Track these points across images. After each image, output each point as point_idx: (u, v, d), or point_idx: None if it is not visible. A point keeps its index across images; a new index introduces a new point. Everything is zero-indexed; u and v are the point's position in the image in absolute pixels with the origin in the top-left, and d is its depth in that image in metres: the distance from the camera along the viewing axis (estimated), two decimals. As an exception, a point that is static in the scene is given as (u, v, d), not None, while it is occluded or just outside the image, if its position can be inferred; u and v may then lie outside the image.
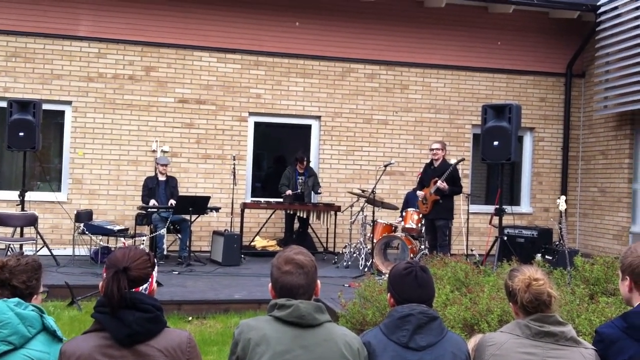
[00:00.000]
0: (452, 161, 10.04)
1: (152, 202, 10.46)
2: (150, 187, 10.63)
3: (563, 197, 7.72)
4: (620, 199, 12.22)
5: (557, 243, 10.47)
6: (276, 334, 2.63)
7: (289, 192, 11.36)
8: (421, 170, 10.65)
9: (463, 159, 10.02)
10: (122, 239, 9.76)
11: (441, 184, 9.59)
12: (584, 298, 5.39)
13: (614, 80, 12.31)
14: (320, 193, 11.79)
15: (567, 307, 4.85)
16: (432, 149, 10.16)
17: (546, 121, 13.42)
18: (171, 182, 10.87)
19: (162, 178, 10.78)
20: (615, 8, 12.11)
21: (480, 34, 12.95)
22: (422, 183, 10.17)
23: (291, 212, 11.47)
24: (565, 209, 7.72)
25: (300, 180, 11.54)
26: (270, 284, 2.80)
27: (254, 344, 2.61)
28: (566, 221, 8.65)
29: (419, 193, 10.00)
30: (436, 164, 10.03)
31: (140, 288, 2.65)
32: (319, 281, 2.83)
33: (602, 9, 12.42)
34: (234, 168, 11.09)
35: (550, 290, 2.85)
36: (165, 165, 10.82)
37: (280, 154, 12.94)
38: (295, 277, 2.71)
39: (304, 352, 2.61)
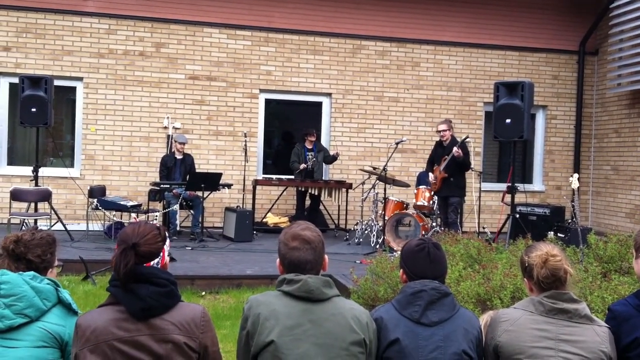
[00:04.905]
0: (460, 139, 10.00)
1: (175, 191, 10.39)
2: (169, 166, 10.63)
3: (576, 175, 7.67)
4: (633, 177, 12.14)
5: (569, 221, 10.45)
6: (285, 309, 2.64)
7: (303, 165, 11.34)
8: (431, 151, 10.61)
9: (467, 137, 10.00)
10: (135, 214, 9.81)
11: (456, 151, 9.49)
12: (597, 276, 5.38)
13: (627, 58, 12.19)
14: (335, 158, 11.57)
15: (580, 285, 4.84)
16: (439, 131, 10.10)
17: (559, 99, 13.32)
18: (187, 159, 10.86)
19: (179, 156, 10.77)
20: (630, -15, 11.96)
21: (492, 10, 12.81)
22: (432, 162, 10.15)
23: (302, 189, 11.48)
24: (578, 187, 7.67)
25: (309, 156, 11.50)
26: (278, 260, 2.82)
27: (263, 319, 2.62)
28: (579, 199, 8.61)
29: (430, 176, 9.98)
30: (445, 143, 9.99)
31: (153, 262, 2.67)
32: (326, 256, 2.84)
33: (617, -14, 12.27)
34: (245, 145, 11.09)
35: (567, 267, 2.85)
36: (184, 143, 10.77)
37: (287, 131, 12.91)
38: (303, 253, 2.72)
39: (313, 326, 2.62)
